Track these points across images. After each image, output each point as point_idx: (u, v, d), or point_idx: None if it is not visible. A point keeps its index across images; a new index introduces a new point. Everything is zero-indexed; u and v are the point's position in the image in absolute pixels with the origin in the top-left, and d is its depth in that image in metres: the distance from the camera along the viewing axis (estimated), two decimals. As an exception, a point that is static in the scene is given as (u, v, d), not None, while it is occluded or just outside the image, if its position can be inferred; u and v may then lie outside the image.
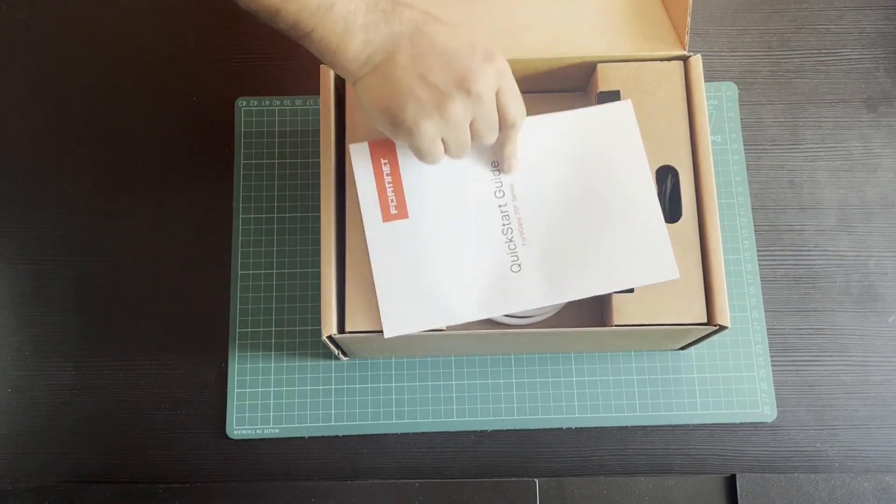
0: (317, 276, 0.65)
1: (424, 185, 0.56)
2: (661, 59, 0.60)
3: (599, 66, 0.60)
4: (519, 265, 0.55)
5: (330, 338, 0.55)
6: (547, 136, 0.58)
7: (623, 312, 0.56)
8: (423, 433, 0.63)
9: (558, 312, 0.61)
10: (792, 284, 0.66)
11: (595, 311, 0.62)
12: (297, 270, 0.66)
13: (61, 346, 0.64)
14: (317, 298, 0.65)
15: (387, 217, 0.55)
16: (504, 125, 0.52)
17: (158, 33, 0.72)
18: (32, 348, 0.64)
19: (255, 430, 0.63)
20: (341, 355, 0.62)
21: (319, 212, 0.56)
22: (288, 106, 0.70)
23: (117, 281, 0.66)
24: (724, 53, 0.72)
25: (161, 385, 0.64)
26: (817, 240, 0.68)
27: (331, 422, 0.63)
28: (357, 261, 0.56)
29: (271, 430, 0.63)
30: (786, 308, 0.66)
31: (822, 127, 0.70)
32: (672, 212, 0.58)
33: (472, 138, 0.52)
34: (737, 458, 0.63)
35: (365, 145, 0.56)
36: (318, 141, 0.61)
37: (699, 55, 0.59)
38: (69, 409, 0.63)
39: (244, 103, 0.70)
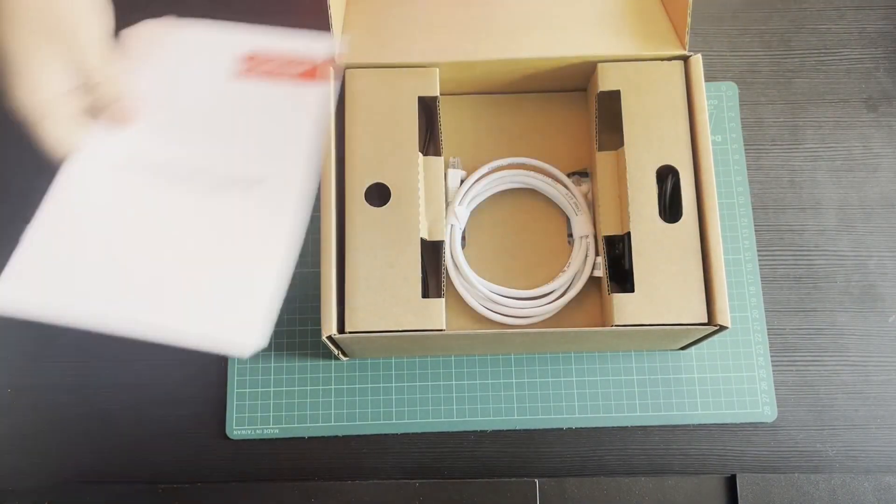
0: (317, 276, 0.65)
1: None
2: (661, 59, 0.60)
3: (599, 65, 0.60)
4: None
5: (330, 338, 0.55)
6: None
7: (623, 312, 0.56)
8: (423, 433, 0.63)
9: (558, 312, 0.61)
10: (792, 284, 0.66)
11: (595, 311, 0.62)
12: (297, 270, 0.66)
13: (61, 346, 0.64)
14: (317, 298, 0.65)
15: None
16: None
17: (158, 33, 0.72)
18: (32, 348, 0.64)
19: (255, 430, 0.63)
20: (341, 355, 0.62)
21: (319, 212, 0.56)
22: (288, 106, 0.69)
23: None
24: (724, 53, 0.72)
25: (161, 385, 0.64)
26: (817, 240, 0.68)
27: (331, 422, 0.63)
28: (357, 261, 0.56)
29: (271, 430, 0.63)
30: (786, 308, 0.66)
31: (822, 127, 0.70)
32: (672, 212, 0.58)
33: None
34: (737, 458, 0.63)
35: None
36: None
37: (699, 55, 0.59)
38: (69, 409, 0.63)
39: (244, 103, 0.70)
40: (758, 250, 0.67)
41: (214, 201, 0.49)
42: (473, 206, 0.63)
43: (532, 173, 0.63)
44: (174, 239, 0.49)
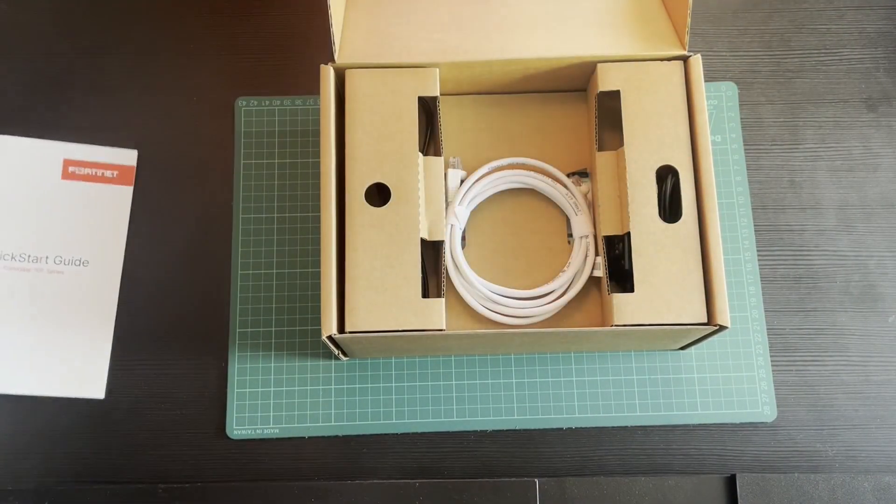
0: (317, 276, 0.65)
1: None
2: (661, 59, 0.60)
3: (599, 66, 0.60)
4: None
5: (330, 338, 0.55)
6: None
7: (623, 312, 0.56)
8: (423, 433, 0.63)
9: (558, 312, 0.61)
10: (792, 284, 0.66)
11: (595, 311, 0.62)
12: (297, 270, 0.66)
13: (61, 346, 0.64)
14: (317, 298, 0.65)
15: None
16: None
17: (158, 33, 0.72)
18: (32, 348, 0.64)
19: (255, 430, 0.63)
20: (341, 355, 0.62)
21: (319, 212, 0.56)
22: (288, 106, 0.70)
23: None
24: (724, 53, 0.72)
25: (161, 385, 0.64)
26: (817, 240, 0.68)
27: (331, 422, 0.63)
28: (357, 261, 0.56)
29: (271, 430, 0.63)
30: (786, 308, 0.66)
31: (822, 127, 0.70)
32: (672, 212, 0.58)
33: None
34: (737, 458, 0.63)
35: None
36: (318, 141, 0.61)
37: (699, 55, 0.59)
38: (69, 409, 0.63)
39: (244, 103, 0.70)
40: (758, 250, 0.67)
41: (53, 279, 0.65)
42: (473, 206, 0.63)
43: (532, 173, 0.64)
44: (26, 312, 0.64)
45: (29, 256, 0.64)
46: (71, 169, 0.67)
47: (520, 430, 0.63)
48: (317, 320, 0.64)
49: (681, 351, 0.64)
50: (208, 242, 0.66)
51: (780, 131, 0.70)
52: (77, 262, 0.65)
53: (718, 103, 0.70)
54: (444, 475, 0.62)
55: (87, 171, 0.67)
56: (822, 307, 0.66)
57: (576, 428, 0.63)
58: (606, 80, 0.60)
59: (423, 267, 0.58)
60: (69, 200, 0.66)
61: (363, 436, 0.63)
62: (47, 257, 0.65)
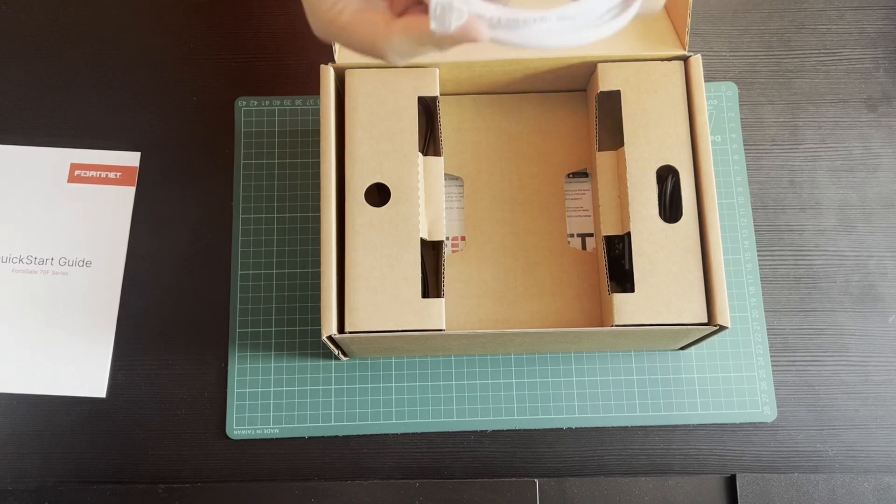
0: (317, 276, 0.66)
1: None
2: (661, 59, 0.60)
3: (599, 65, 0.60)
4: None
5: (330, 338, 0.55)
6: None
7: (623, 312, 0.56)
8: (423, 433, 0.63)
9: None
10: (792, 284, 0.66)
11: (595, 311, 0.62)
12: (297, 270, 0.66)
13: (61, 346, 0.64)
14: (317, 298, 0.65)
15: None
16: None
17: (158, 33, 0.72)
18: (32, 348, 0.64)
19: (255, 430, 0.63)
20: (341, 355, 0.62)
21: (319, 212, 0.56)
22: (288, 106, 0.70)
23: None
24: (724, 53, 0.72)
25: (161, 385, 0.64)
26: (817, 240, 0.68)
27: (331, 422, 0.63)
28: (357, 261, 0.56)
29: (271, 430, 0.63)
30: (786, 308, 0.66)
31: (822, 127, 0.70)
32: (672, 212, 0.58)
33: None
34: (737, 458, 0.63)
35: None
36: (318, 141, 0.61)
37: (699, 55, 0.59)
38: (69, 409, 0.63)
39: (244, 103, 0.70)
40: (758, 250, 0.67)
41: (58, 280, 0.65)
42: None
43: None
44: (30, 313, 0.65)
45: (36, 259, 0.65)
46: (77, 172, 0.68)
47: (520, 430, 0.63)
48: (317, 320, 0.64)
49: (681, 351, 0.64)
50: (208, 242, 0.66)
51: (780, 131, 0.70)
52: (81, 263, 0.65)
53: (718, 103, 0.70)
54: (444, 475, 0.62)
55: (93, 173, 0.68)
56: (822, 307, 0.66)
57: (576, 428, 0.63)
58: (606, 80, 0.60)
59: (423, 267, 0.58)
60: (75, 203, 0.67)
61: (363, 436, 0.63)
62: (52, 259, 0.65)
